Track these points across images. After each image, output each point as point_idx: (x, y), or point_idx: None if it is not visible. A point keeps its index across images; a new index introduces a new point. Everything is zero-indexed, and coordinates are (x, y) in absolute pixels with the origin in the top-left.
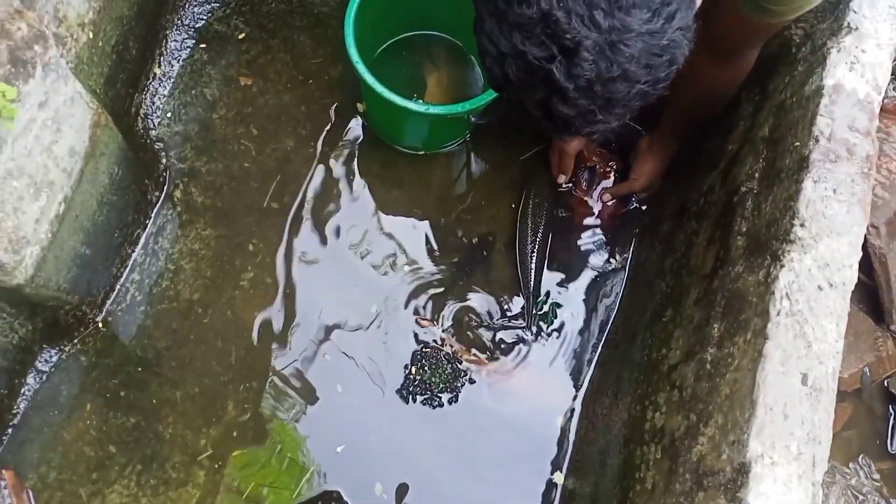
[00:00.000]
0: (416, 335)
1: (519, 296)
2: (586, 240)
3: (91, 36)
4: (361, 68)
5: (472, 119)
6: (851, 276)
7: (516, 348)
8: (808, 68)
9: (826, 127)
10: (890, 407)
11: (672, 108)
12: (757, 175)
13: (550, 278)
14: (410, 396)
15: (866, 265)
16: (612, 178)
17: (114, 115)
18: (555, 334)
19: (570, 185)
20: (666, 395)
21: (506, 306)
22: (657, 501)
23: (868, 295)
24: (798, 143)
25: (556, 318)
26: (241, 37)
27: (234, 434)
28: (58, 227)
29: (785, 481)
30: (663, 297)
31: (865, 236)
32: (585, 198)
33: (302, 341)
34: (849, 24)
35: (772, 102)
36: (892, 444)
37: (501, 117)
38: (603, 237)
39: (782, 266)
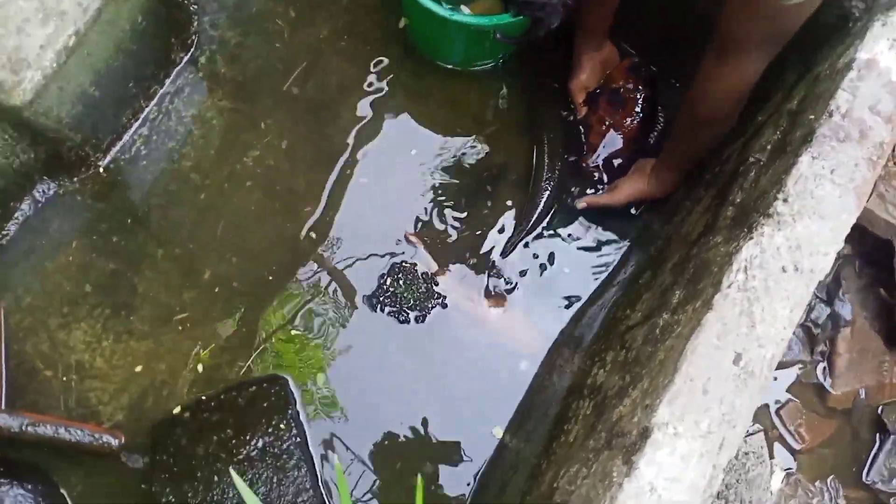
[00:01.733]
0: (398, 245)
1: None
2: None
3: None
4: None
5: (498, 36)
6: (824, 264)
7: (500, 284)
8: (851, 41)
9: (845, 103)
10: (877, 435)
11: (674, 129)
12: (769, 147)
13: (558, 226)
14: (379, 305)
15: (889, 281)
16: (639, 107)
17: None
18: (546, 283)
19: (593, 105)
20: (614, 353)
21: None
22: (572, 453)
23: (885, 314)
24: (812, 116)
25: (551, 263)
26: None
27: (205, 302)
28: (65, 59)
29: (684, 455)
30: (648, 260)
31: (894, 251)
32: (607, 118)
33: (290, 227)
34: None
35: (811, 74)
36: (868, 474)
37: (536, 47)
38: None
39: (750, 238)
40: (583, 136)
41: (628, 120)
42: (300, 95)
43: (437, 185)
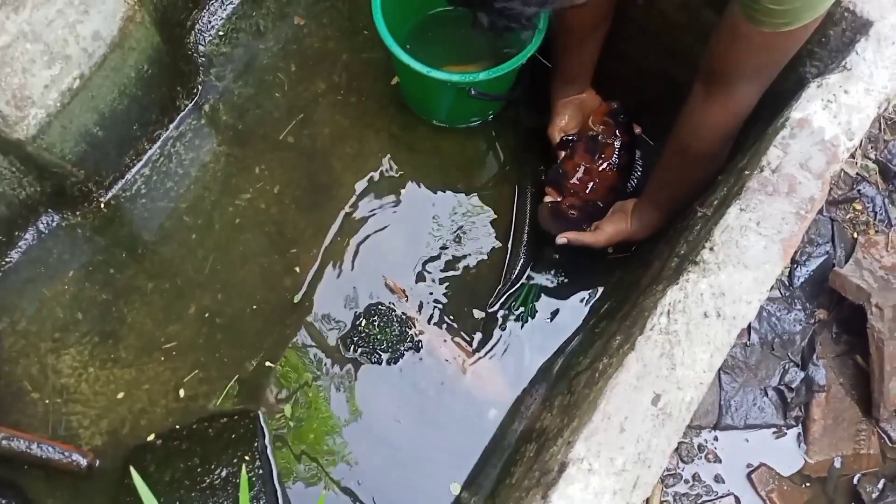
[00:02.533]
0: (376, 288)
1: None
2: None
3: None
4: (380, 25)
5: (473, 93)
6: (747, 312)
7: (477, 334)
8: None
9: (776, 159)
10: None
11: (660, 166)
12: (715, 202)
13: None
14: (352, 346)
15: (864, 348)
16: (616, 154)
17: (165, 24)
18: (523, 333)
19: (570, 151)
20: (561, 398)
21: (477, 291)
22: (509, 493)
23: (862, 382)
24: (747, 172)
25: (531, 315)
26: None
27: (188, 335)
28: (69, 100)
29: (597, 491)
30: (606, 311)
31: (867, 316)
32: (583, 164)
33: (275, 267)
34: (844, 64)
35: (765, 135)
36: None
37: (520, 103)
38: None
39: (675, 284)
40: (560, 181)
41: (605, 166)
42: (295, 144)
43: (422, 233)
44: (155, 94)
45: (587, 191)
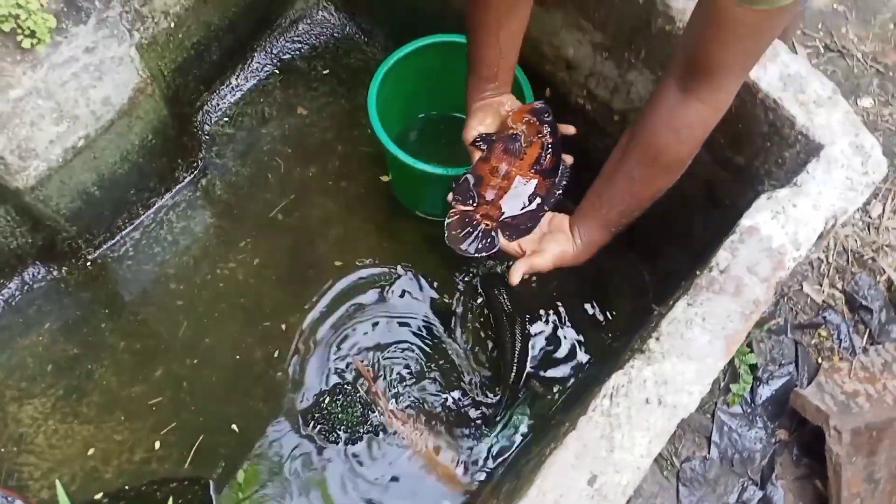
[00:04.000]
0: (345, 368)
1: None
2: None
3: (172, 26)
4: (374, 119)
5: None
6: (688, 402)
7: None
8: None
9: (724, 261)
10: None
11: (607, 178)
12: (670, 301)
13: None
14: (312, 422)
15: (823, 473)
16: (545, 154)
17: (175, 100)
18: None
19: (485, 148)
20: (508, 485)
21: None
22: None
23: None
24: (698, 272)
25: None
26: (314, 76)
27: (151, 398)
28: (71, 157)
29: None
30: (563, 405)
31: (826, 438)
32: (503, 166)
33: (248, 339)
34: (795, 181)
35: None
36: None
37: None
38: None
39: (620, 369)
40: (470, 190)
41: (531, 170)
42: (283, 223)
43: (398, 321)
44: (156, 164)
45: (505, 199)
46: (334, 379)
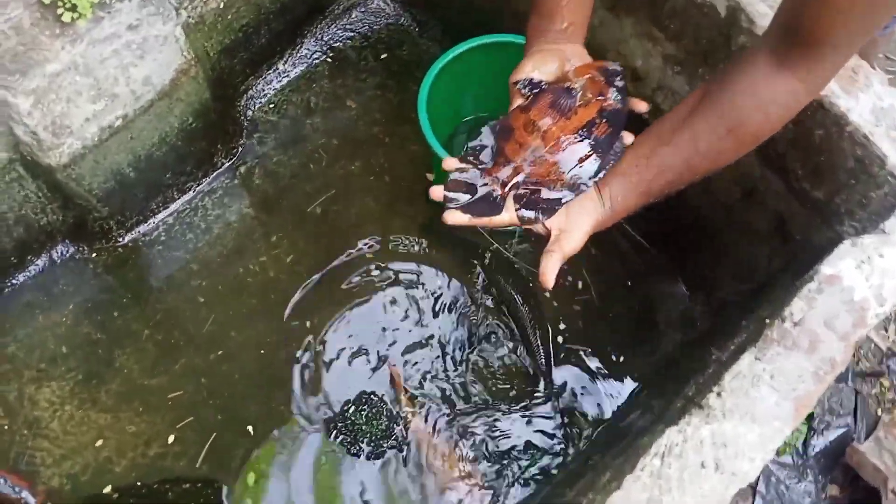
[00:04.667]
0: (372, 376)
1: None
2: None
3: (221, 6)
4: (423, 116)
5: None
6: (748, 471)
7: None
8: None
9: (799, 311)
10: None
11: (666, 145)
12: (732, 347)
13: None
14: (334, 432)
15: None
16: (596, 118)
17: (219, 83)
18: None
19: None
20: None
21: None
22: None
23: None
24: (768, 320)
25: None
26: (364, 66)
27: (172, 389)
28: (107, 137)
29: None
30: (600, 443)
31: (881, 500)
32: (541, 122)
33: (274, 337)
34: (883, 227)
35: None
36: None
37: None
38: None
39: (675, 425)
40: (496, 139)
41: (575, 136)
42: (320, 218)
43: (436, 329)
44: (194, 147)
45: (534, 165)
46: (361, 387)
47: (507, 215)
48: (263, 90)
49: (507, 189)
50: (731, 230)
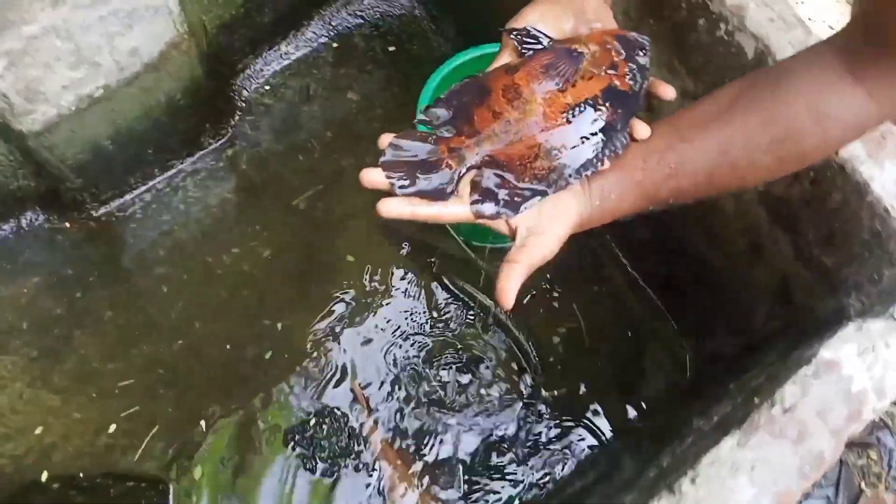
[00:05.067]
0: (340, 388)
1: None
2: None
3: None
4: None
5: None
6: None
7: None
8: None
9: (791, 397)
10: None
11: (692, 128)
12: (717, 418)
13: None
14: (292, 443)
15: None
16: (598, 96)
17: (215, 59)
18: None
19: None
20: None
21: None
22: None
23: None
24: (756, 399)
25: None
26: (371, 56)
27: (129, 377)
28: (86, 106)
29: None
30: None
31: None
32: (526, 89)
33: (242, 334)
34: (892, 312)
35: (789, 359)
36: None
37: None
38: None
39: None
40: (464, 103)
41: (566, 115)
42: (304, 213)
43: (414, 345)
44: (181, 125)
45: (506, 143)
46: (326, 398)
47: (462, 207)
48: (262, 71)
49: (465, 169)
50: (732, 281)
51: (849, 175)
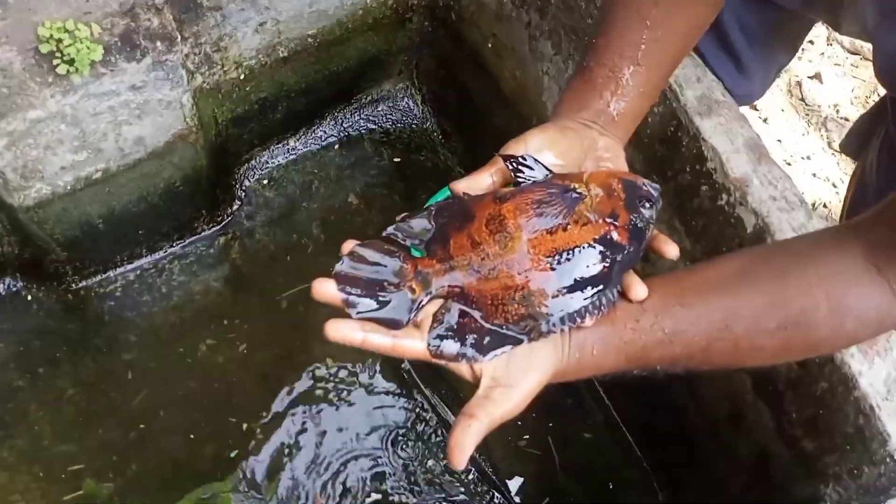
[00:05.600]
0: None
1: None
2: None
3: (241, 78)
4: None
5: None
6: None
7: None
8: None
9: None
10: None
11: (694, 293)
12: None
13: None
14: None
15: None
16: (590, 246)
17: (221, 150)
18: None
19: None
20: None
21: None
22: None
23: None
24: None
25: None
26: (377, 162)
27: (80, 461)
28: (81, 187)
29: None
30: None
31: None
32: (513, 222)
33: (205, 430)
34: None
35: None
36: None
37: None
38: None
39: None
40: (441, 228)
41: (550, 259)
42: (287, 311)
43: (387, 460)
44: (176, 210)
45: (480, 279)
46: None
47: (419, 343)
48: (267, 162)
49: (427, 298)
50: (712, 444)
51: (837, 366)
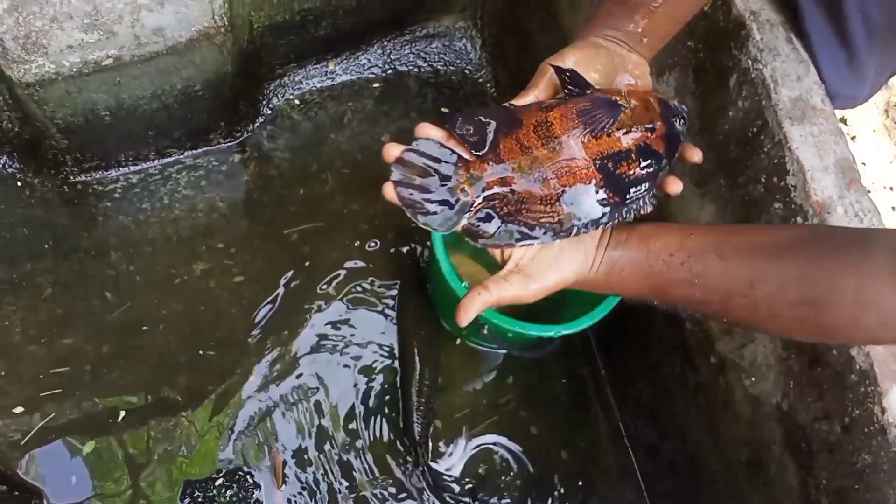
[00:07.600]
0: (261, 451)
1: None
2: None
3: None
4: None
5: (485, 331)
6: None
7: None
8: None
9: None
10: None
11: (739, 243)
12: None
13: None
14: (188, 498)
15: None
16: (634, 150)
17: (252, 58)
18: None
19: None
20: None
21: None
22: None
23: None
24: None
25: None
26: (419, 103)
27: (45, 364)
28: (89, 72)
29: None
30: None
31: None
32: (563, 132)
33: (183, 357)
34: None
35: None
36: None
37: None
38: None
39: None
40: (496, 130)
41: (596, 162)
42: (292, 246)
43: (353, 434)
44: (191, 116)
45: (527, 182)
46: (240, 457)
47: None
48: (300, 83)
49: (478, 199)
50: (722, 488)
51: (889, 443)
